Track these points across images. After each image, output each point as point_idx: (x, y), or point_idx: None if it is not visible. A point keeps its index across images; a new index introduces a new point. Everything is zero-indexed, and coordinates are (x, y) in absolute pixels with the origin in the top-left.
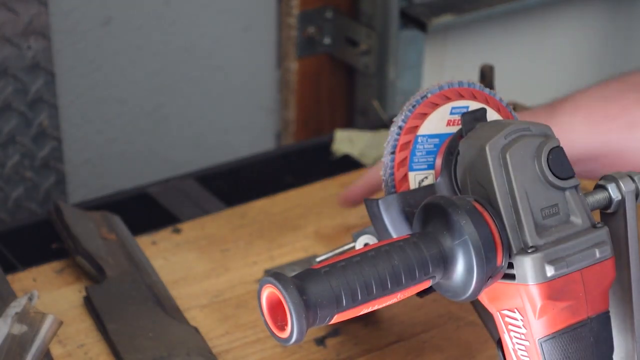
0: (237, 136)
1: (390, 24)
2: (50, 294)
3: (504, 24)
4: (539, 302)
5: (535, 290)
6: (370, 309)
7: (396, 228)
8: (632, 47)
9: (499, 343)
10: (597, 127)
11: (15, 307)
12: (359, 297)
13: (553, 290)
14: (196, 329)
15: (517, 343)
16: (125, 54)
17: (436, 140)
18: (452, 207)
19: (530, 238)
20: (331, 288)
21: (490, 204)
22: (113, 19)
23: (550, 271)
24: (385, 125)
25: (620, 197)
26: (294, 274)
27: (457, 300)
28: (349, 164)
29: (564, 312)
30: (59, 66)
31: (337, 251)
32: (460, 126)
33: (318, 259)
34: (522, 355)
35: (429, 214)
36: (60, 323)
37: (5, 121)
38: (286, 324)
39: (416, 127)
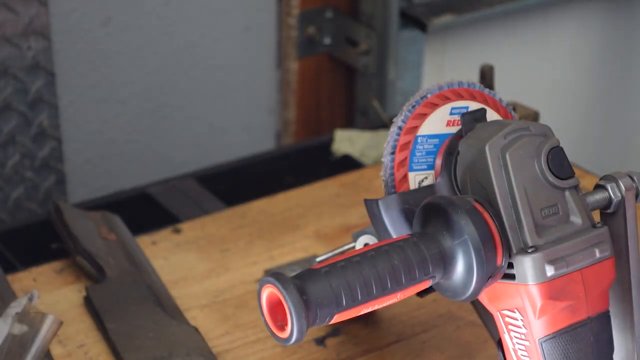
0: (237, 136)
1: (390, 24)
2: (50, 294)
3: (504, 24)
4: (539, 302)
5: (535, 290)
6: (370, 309)
7: (396, 228)
8: (632, 47)
9: (499, 343)
10: None
11: (15, 307)
12: (359, 297)
13: (553, 290)
14: (196, 329)
15: (517, 343)
16: (125, 54)
17: (436, 141)
18: (452, 207)
19: (530, 238)
20: (331, 288)
21: (490, 204)
22: (113, 19)
23: (550, 271)
24: (385, 125)
25: (620, 197)
26: (294, 274)
27: (457, 300)
28: (349, 164)
29: (564, 312)
30: (59, 66)
31: (337, 251)
32: (460, 126)
33: (318, 259)
34: (522, 355)
35: (429, 214)
36: (60, 323)
37: (5, 121)
38: (286, 324)
39: (416, 128)
